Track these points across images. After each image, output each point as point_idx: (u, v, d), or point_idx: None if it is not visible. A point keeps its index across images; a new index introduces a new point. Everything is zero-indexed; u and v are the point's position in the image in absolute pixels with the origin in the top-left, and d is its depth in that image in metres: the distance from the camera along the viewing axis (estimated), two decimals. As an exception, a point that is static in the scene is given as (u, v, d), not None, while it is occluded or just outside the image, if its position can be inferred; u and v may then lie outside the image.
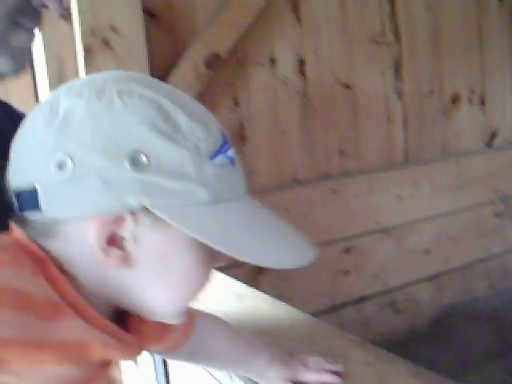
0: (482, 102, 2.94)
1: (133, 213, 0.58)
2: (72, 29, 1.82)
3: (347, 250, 2.46)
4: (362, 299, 2.52)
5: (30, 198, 0.58)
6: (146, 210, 0.58)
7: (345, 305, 2.47)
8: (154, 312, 0.66)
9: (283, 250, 0.66)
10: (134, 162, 0.56)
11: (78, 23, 1.78)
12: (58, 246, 0.59)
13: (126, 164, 0.56)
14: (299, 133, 2.39)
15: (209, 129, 0.62)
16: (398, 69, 2.63)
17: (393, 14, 2.59)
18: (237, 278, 1.75)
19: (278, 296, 1.52)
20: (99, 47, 1.81)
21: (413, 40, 2.66)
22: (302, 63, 2.38)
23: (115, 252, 0.59)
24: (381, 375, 1.04)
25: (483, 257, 2.91)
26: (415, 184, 2.64)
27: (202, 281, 0.66)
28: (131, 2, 1.87)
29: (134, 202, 0.57)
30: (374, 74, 2.57)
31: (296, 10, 2.35)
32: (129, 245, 0.59)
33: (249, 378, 1.02)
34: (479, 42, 2.88)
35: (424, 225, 2.68)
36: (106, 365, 0.64)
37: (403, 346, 2.45)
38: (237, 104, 2.25)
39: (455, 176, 2.77)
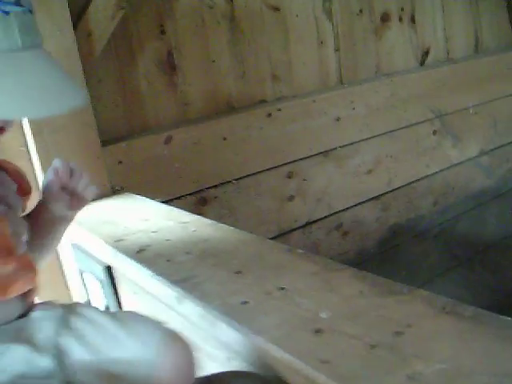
0: (413, 20, 2.90)
1: None
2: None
3: (289, 175, 2.40)
4: (308, 223, 2.48)
5: None
6: None
7: (292, 230, 2.43)
8: None
9: (27, 101, 0.74)
10: None
11: None
12: None
13: None
14: (230, 59, 2.29)
15: None
16: (325, -13, 2.55)
17: None
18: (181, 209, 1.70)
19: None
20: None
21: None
22: (227, -15, 2.26)
23: None
24: (326, 282, 1.04)
25: (424, 175, 2.90)
26: (351, 105, 2.59)
27: None
28: None
29: None
30: (301, -6, 2.48)
31: None
32: None
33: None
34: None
35: (364, 145, 2.64)
36: None
37: (353, 267, 2.43)
38: (163, 32, 2.12)
39: (390, 95, 2.74)
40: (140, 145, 2.03)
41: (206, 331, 1.03)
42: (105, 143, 1.91)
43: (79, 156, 1.80)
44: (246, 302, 0.99)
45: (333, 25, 2.60)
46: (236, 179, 2.24)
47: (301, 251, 1.19)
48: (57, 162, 1.10)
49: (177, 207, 1.74)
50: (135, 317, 0.89)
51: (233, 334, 0.94)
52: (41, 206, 1.11)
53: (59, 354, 0.79)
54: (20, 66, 0.75)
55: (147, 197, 1.84)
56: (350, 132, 2.59)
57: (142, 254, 1.32)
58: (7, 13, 0.72)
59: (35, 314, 0.86)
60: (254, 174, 2.29)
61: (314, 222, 2.51)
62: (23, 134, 1.82)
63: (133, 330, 0.83)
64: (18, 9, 0.75)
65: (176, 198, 2.08)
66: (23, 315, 0.88)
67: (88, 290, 1.72)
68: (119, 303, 1.53)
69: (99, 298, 1.59)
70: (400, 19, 2.86)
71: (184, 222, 1.49)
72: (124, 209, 1.74)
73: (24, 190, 1.04)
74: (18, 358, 0.78)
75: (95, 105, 1.89)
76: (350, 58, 2.68)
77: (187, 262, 1.22)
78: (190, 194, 2.13)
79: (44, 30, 1.66)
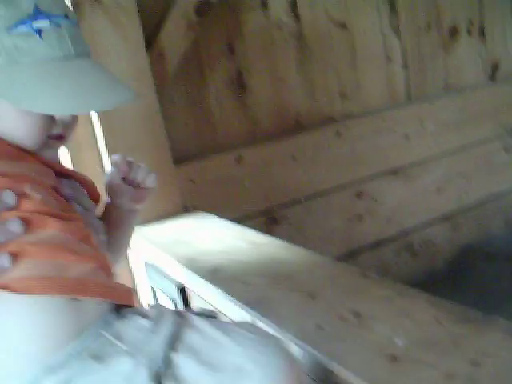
0: (482, 33, 2.85)
1: None
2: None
3: (358, 195, 2.40)
4: (377, 243, 2.47)
5: None
6: None
7: (361, 250, 2.42)
8: (19, 143, 0.83)
9: (84, 99, 0.80)
10: None
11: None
12: None
13: None
14: (298, 77, 2.32)
15: (13, 6, 0.75)
16: (392, 4, 2.54)
17: None
18: (251, 229, 1.71)
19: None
20: (87, 2, 1.72)
21: (406, -28, 2.56)
22: (294, 4, 2.29)
23: None
24: (401, 308, 1.03)
25: (495, 192, 2.84)
26: (420, 122, 2.57)
27: (30, 124, 0.82)
28: (115, -48, 1.77)
29: None
30: (368, 11, 2.48)
31: None
32: None
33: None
34: (474, -30, 2.78)
35: (433, 163, 2.62)
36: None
37: (422, 288, 2.39)
38: (232, 52, 2.16)
39: (460, 111, 2.70)
40: (211, 164, 2.07)
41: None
42: (177, 162, 1.95)
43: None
44: (320, 327, 0.99)
45: (400, 41, 2.59)
46: (305, 198, 2.25)
47: (374, 275, 1.18)
48: (115, 157, 1.14)
49: (247, 226, 1.76)
50: (252, 331, 0.84)
51: (308, 358, 0.94)
52: (108, 204, 1.15)
53: (173, 372, 0.75)
54: (74, 70, 0.81)
55: (218, 215, 1.86)
56: (419, 149, 2.57)
57: (216, 275, 1.33)
58: (59, 25, 0.79)
59: (137, 320, 0.82)
60: (323, 192, 2.30)
61: (383, 241, 2.49)
62: (99, 155, 1.87)
63: (252, 351, 0.78)
64: (68, 22, 0.81)
65: (246, 217, 2.10)
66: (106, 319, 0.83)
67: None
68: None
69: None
70: (469, 32, 2.81)
71: (256, 243, 1.51)
72: (196, 228, 1.77)
73: (94, 198, 1.06)
74: (118, 372, 0.75)
75: (167, 125, 1.93)
76: (418, 74, 2.65)
77: (261, 284, 1.23)
78: (259, 213, 2.16)
79: (119, 52, 1.74)
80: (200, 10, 2.00)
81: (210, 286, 1.29)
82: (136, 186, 1.14)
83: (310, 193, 2.27)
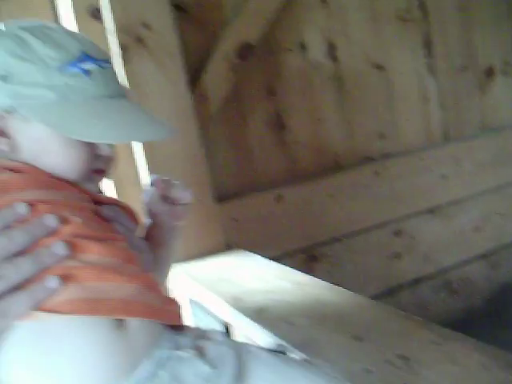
0: (518, 74, 2.87)
1: (8, 112, 0.83)
2: (104, 28, 1.81)
3: (397, 233, 2.41)
4: (416, 281, 2.47)
5: None
6: (15, 109, 0.82)
7: (399, 288, 2.43)
8: (61, 175, 0.87)
9: (130, 130, 0.87)
10: (3, 78, 0.81)
11: (112, 22, 1.76)
12: None
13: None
14: (336, 117, 2.36)
15: (63, 49, 0.83)
16: (428, 45, 2.59)
17: (418, -11, 2.54)
18: (291, 266, 1.74)
19: (333, 282, 1.51)
20: (133, 45, 1.79)
21: (441, 14, 2.61)
22: (332, 46, 2.34)
23: (4, 141, 0.85)
24: (448, 353, 1.03)
25: (534, 231, 2.83)
26: (457, 162, 2.59)
27: (75, 157, 0.87)
28: (161, -2, 1.85)
29: (5, 104, 0.82)
30: (405, 53, 2.53)
31: (322, -7, 2.32)
32: (13, 134, 0.85)
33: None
34: (508, 10, 2.81)
35: (470, 202, 2.63)
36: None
37: (461, 326, 2.37)
38: (272, 93, 2.22)
39: (497, 151, 2.72)
40: (252, 202, 2.11)
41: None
42: (218, 200, 2.00)
43: (195, 213, 1.88)
44: (368, 371, 1.01)
45: (436, 81, 2.62)
46: (344, 236, 2.28)
47: (419, 318, 1.20)
48: (153, 177, 1.16)
49: (286, 263, 1.78)
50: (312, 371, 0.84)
51: None
52: (148, 225, 1.16)
53: None
54: (118, 106, 0.88)
55: (258, 253, 1.89)
56: (457, 189, 2.58)
57: (261, 315, 1.35)
58: (103, 68, 0.86)
59: (196, 364, 0.79)
60: (361, 230, 2.32)
61: (422, 279, 2.50)
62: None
63: None
64: (110, 65, 0.89)
65: (286, 254, 2.13)
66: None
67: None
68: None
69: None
70: (505, 73, 2.84)
71: (300, 283, 1.53)
72: (239, 266, 1.80)
73: (135, 222, 1.07)
74: None
75: (209, 163, 1.97)
76: (455, 114, 2.68)
77: (307, 326, 1.25)
78: (299, 251, 2.18)
79: (163, 93, 1.80)
80: (241, 53, 2.07)
81: (256, 325, 1.31)
82: (174, 203, 1.16)
83: (348, 231, 2.30)
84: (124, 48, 1.78)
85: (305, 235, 2.20)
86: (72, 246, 0.77)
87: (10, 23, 0.88)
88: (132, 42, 1.80)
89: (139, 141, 0.99)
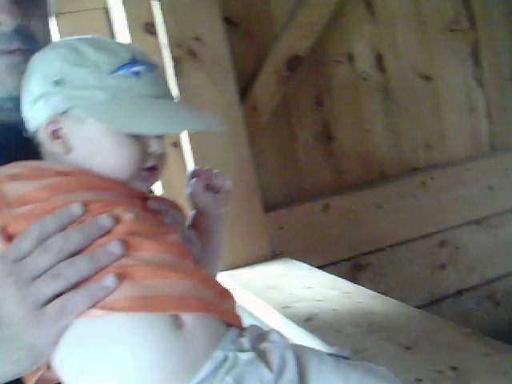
0: None
1: (62, 114, 0.87)
2: (157, 42, 1.87)
3: (442, 243, 2.42)
4: (460, 292, 2.47)
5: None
6: (68, 111, 0.86)
7: (443, 298, 2.43)
8: (111, 175, 0.88)
9: (178, 121, 0.91)
10: (57, 83, 0.86)
11: (165, 36, 1.82)
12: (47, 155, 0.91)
13: (52, 85, 0.86)
14: (383, 128, 2.38)
15: (114, 55, 0.88)
16: (476, 55, 2.59)
17: (466, -1, 2.55)
18: (336, 275, 1.76)
19: (377, 292, 1.53)
20: (186, 58, 1.84)
21: (489, 24, 2.61)
22: (379, 58, 2.37)
23: (58, 142, 0.88)
24: (498, 365, 1.04)
25: None
26: (504, 173, 2.58)
27: (127, 156, 0.89)
28: (212, 11, 1.89)
29: (60, 107, 0.86)
30: (453, 63, 2.54)
31: (370, 4, 2.36)
32: (66, 136, 0.88)
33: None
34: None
35: (517, 214, 2.61)
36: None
37: (506, 338, 2.37)
38: (320, 104, 2.25)
39: (545, 162, 2.69)
40: (299, 212, 2.15)
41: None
42: (266, 209, 2.03)
43: (243, 221, 1.93)
44: (419, 380, 1.03)
45: (484, 92, 2.62)
46: (389, 246, 2.29)
47: (469, 330, 1.21)
48: (193, 169, 1.18)
49: (331, 272, 1.80)
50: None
51: None
52: (194, 216, 1.16)
53: None
54: (167, 104, 0.92)
55: (304, 261, 1.92)
56: (504, 200, 2.57)
57: (310, 323, 1.38)
58: (152, 71, 0.90)
59: (260, 369, 0.76)
60: (406, 241, 2.33)
61: (466, 290, 2.49)
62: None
63: None
64: (158, 69, 0.93)
65: (331, 264, 2.16)
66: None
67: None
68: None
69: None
70: (554, 83, 2.82)
71: (348, 292, 1.55)
72: (286, 274, 1.83)
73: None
74: None
75: (258, 173, 2.01)
76: (502, 125, 2.66)
77: (356, 334, 1.27)
78: (344, 260, 2.21)
79: (215, 104, 1.85)
80: (290, 65, 2.11)
81: (305, 333, 1.34)
82: (217, 191, 1.17)
83: (393, 241, 2.31)
84: (177, 61, 1.84)
85: (350, 244, 2.22)
86: (127, 245, 0.78)
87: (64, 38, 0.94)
88: (184, 55, 1.85)
89: (190, 129, 1.00)
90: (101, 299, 0.73)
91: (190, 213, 1.17)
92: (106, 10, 2.01)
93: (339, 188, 2.29)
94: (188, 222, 1.14)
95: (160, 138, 0.92)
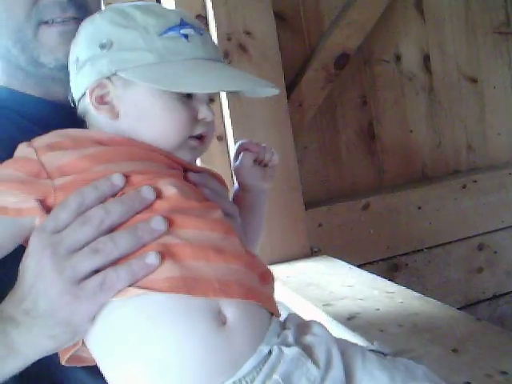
0: None
1: (108, 78, 0.85)
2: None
3: (480, 247, 2.40)
4: (495, 296, 2.45)
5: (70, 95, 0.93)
6: (115, 75, 0.84)
7: (479, 302, 2.41)
8: (159, 144, 0.86)
9: (229, 80, 0.88)
10: (104, 46, 0.85)
11: (215, 29, 1.83)
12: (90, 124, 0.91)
13: (99, 48, 0.85)
14: (426, 129, 2.38)
15: (162, 17, 0.86)
16: (523, 60, 2.56)
17: (517, 2, 2.52)
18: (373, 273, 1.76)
19: (414, 293, 1.51)
20: (235, 51, 1.86)
21: (538, 28, 2.58)
22: (426, 58, 2.36)
23: (105, 107, 0.86)
24: None
25: None
26: (548, 177, 2.55)
27: (177, 121, 0.86)
28: (263, 5, 1.90)
29: (106, 71, 0.84)
30: (500, 66, 2.52)
31: (419, 5, 2.35)
32: (113, 102, 0.86)
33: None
34: None
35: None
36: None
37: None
38: (365, 102, 2.25)
39: None
40: (339, 209, 2.15)
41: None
42: (306, 206, 2.04)
43: (284, 217, 1.93)
44: (468, 382, 1.03)
45: (530, 96, 2.60)
46: (427, 248, 2.28)
47: (515, 335, 1.21)
48: (241, 141, 1.12)
49: (369, 271, 1.80)
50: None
51: None
52: (238, 191, 1.13)
53: None
54: (217, 66, 0.89)
55: (341, 259, 1.92)
56: (546, 205, 2.54)
57: (352, 322, 1.37)
58: (201, 34, 0.88)
59: (307, 366, 0.74)
60: (444, 243, 2.33)
61: (502, 295, 2.47)
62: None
63: None
64: (207, 33, 0.91)
65: (368, 263, 2.16)
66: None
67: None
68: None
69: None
70: None
71: (390, 292, 1.55)
72: (325, 272, 1.83)
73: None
74: None
75: (300, 170, 2.02)
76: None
77: (401, 335, 1.27)
78: (382, 260, 2.21)
79: (262, 100, 1.85)
80: (338, 63, 2.10)
81: (347, 331, 1.33)
82: (265, 165, 1.13)
83: (432, 243, 2.30)
84: (226, 54, 1.85)
85: (388, 244, 2.22)
86: (170, 221, 0.74)
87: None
88: (234, 48, 1.86)
89: (242, 89, 0.93)
90: (141, 277, 0.71)
91: (233, 186, 1.14)
92: (159, 2, 2.02)
93: (380, 187, 2.29)
94: (231, 196, 1.11)
95: (209, 105, 0.89)
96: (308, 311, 1.58)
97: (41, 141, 0.81)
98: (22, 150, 0.80)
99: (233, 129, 1.90)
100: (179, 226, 0.75)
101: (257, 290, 0.78)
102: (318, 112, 2.16)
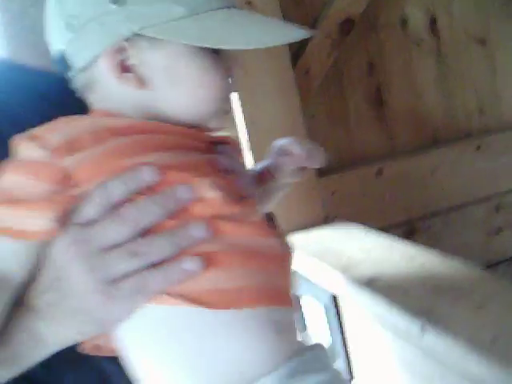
0: None
1: (129, 40, 0.71)
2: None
3: (497, 208, 2.38)
4: (516, 257, 2.44)
5: (62, 63, 0.76)
6: (138, 35, 0.71)
7: (498, 263, 2.40)
8: (194, 113, 0.77)
9: (267, 34, 0.77)
10: (116, 1, 0.70)
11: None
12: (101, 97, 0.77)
13: (110, 3, 0.70)
14: (436, 93, 2.35)
15: None
16: (534, 20, 2.52)
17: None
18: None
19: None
20: (238, 21, 1.82)
21: (547, -14, 2.53)
22: (433, 21, 2.32)
23: (128, 76, 0.73)
24: None
25: None
26: None
27: (214, 83, 0.77)
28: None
29: (125, 31, 0.71)
30: (509, 27, 2.47)
31: (424, -33, 2.30)
32: (138, 67, 0.73)
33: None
34: None
35: None
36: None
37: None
38: (372, 68, 2.23)
39: None
40: (351, 177, 2.13)
41: (451, 365, 1.05)
42: (319, 174, 2.02)
43: (297, 186, 1.90)
44: (495, 338, 1.01)
45: (541, 56, 2.56)
46: (443, 211, 2.27)
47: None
48: (283, 142, 1.05)
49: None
50: None
51: (484, 369, 0.95)
52: (259, 173, 1.05)
53: None
54: (245, 14, 0.80)
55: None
56: None
57: (373, 285, 1.36)
58: None
59: None
60: (461, 206, 2.31)
61: (522, 255, 2.46)
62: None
63: None
64: None
65: (383, 228, 2.14)
66: None
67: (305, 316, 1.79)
68: (342, 332, 1.61)
69: (320, 326, 1.68)
70: None
71: (410, 255, 1.54)
72: (341, 238, 1.82)
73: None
74: None
75: (309, 139, 2.00)
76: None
77: (424, 296, 1.25)
78: (397, 225, 2.19)
79: (266, 68, 1.84)
80: (343, 29, 2.08)
81: (369, 294, 1.33)
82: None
83: (448, 206, 2.29)
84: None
85: (403, 209, 2.21)
86: (212, 227, 0.69)
87: None
88: (235, 18, 1.83)
89: (287, 41, 0.82)
90: (180, 282, 0.67)
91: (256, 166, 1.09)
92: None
93: (391, 153, 2.27)
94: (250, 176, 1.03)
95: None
96: (327, 277, 1.57)
97: (56, 135, 0.69)
98: (30, 149, 0.68)
99: (238, 100, 1.87)
100: (219, 231, 0.70)
101: (288, 295, 0.77)
102: (325, 80, 2.13)
